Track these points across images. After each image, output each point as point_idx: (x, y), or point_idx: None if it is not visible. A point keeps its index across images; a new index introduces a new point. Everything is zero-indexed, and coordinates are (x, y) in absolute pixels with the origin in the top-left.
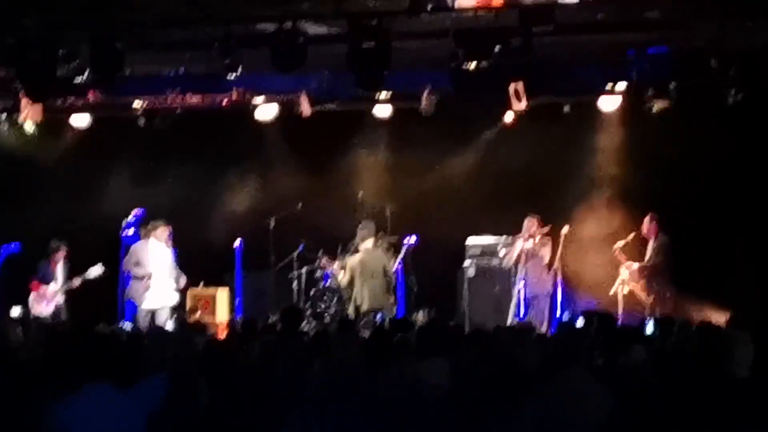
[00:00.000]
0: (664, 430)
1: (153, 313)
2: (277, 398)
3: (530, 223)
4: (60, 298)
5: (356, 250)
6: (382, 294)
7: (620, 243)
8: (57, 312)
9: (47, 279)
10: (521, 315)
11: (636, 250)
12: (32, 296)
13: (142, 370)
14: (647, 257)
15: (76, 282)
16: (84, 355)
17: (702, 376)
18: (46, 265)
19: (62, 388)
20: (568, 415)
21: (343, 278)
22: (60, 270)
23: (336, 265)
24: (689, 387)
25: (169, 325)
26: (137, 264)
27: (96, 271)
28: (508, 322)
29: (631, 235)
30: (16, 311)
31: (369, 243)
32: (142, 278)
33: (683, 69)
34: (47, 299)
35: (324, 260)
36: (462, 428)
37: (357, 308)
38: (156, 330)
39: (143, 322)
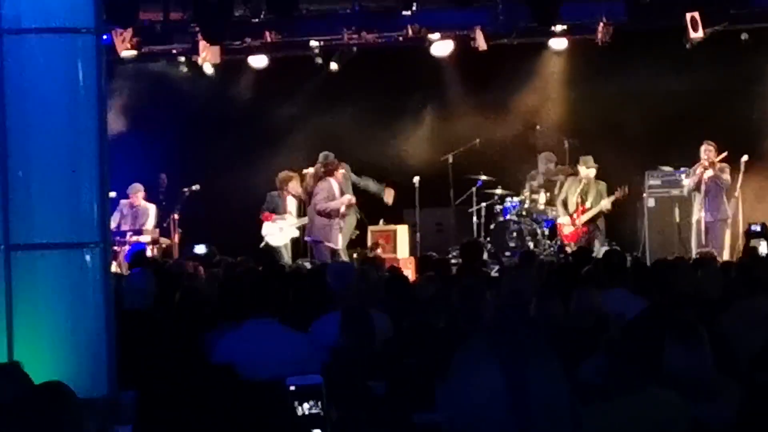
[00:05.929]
0: None
1: (333, 251)
2: (455, 330)
3: (708, 151)
4: (294, 232)
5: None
6: None
7: None
8: (288, 245)
9: (278, 210)
10: (701, 243)
11: None
12: (266, 227)
13: (321, 305)
14: None
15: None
16: (258, 290)
17: None
18: (276, 197)
19: (234, 322)
20: (749, 343)
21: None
22: (291, 203)
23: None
24: None
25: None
26: (328, 199)
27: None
28: (693, 250)
29: None
30: (200, 249)
31: (540, 179)
32: (329, 216)
33: None
34: (282, 230)
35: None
36: (643, 357)
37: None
38: (338, 265)
39: (323, 258)
